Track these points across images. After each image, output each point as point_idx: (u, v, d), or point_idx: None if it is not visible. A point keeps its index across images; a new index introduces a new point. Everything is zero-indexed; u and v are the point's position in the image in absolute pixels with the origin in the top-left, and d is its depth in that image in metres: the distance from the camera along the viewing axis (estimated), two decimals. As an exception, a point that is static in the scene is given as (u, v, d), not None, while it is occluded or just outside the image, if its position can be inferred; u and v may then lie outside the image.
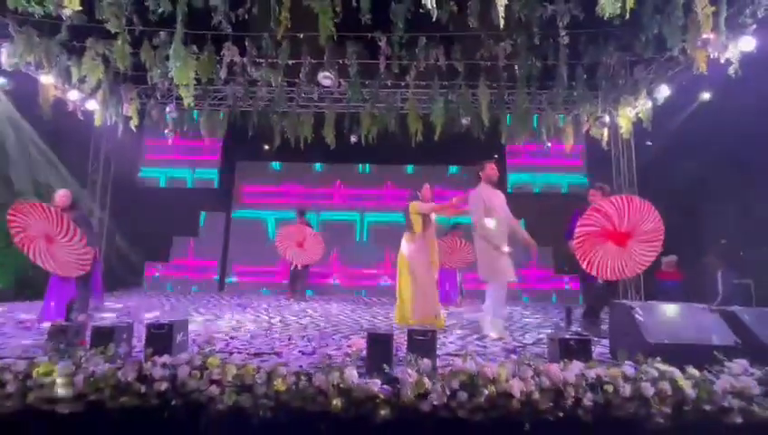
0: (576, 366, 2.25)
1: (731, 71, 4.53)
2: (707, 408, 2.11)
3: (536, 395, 2.12)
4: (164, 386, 2.15)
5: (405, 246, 4.38)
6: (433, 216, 4.43)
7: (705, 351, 2.42)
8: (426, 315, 4.13)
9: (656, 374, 2.21)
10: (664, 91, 6.05)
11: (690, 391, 2.13)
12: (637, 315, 2.64)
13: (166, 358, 2.28)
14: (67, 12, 3.83)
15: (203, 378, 2.17)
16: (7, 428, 2.18)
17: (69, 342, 2.59)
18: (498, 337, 3.71)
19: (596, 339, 3.33)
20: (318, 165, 9.05)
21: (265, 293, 8.26)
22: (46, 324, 3.36)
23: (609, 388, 2.14)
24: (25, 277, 5.78)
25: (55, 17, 4.41)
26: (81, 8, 3.76)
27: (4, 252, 5.82)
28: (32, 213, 3.72)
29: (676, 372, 2.22)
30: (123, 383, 2.15)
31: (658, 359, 2.32)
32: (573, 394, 2.13)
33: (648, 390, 2.12)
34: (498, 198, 4.05)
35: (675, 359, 2.31)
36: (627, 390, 2.14)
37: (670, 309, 2.75)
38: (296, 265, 7.02)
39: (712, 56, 4.55)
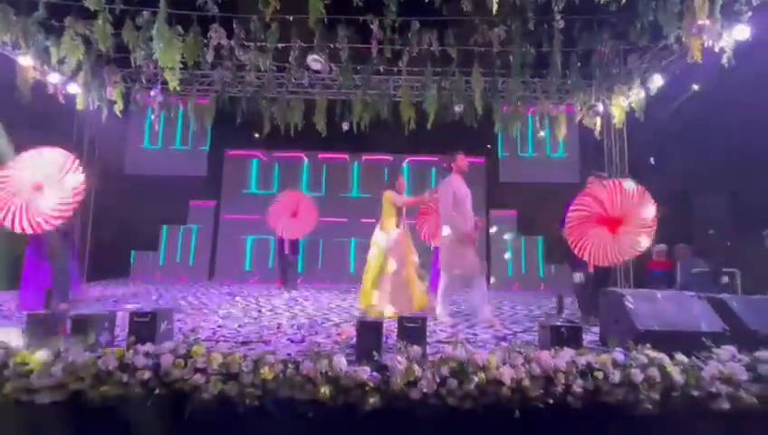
0: (567, 353, 2.24)
1: (724, 60, 4.51)
2: (695, 394, 2.11)
3: (526, 382, 2.10)
4: (147, 375, 2.09)
5: (380, 236, 4.40)
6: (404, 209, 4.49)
7: (694, 337, 2.43)
8: (398, 307, 4.09)
9: (645, 361, 2.21)
10: (657, 81, 6.03)
11: (678, 377, 2.13)
12: (627, 303, 2.63)
13: (149, 346, 2.22)
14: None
15: (187, 366, 2.12)
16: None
17: (49, 330, 2.51)
18: (449, 322, 3.84)
19: (587, 327, 3.35)
20: (307, 153, 8.91)
21: (254, 282, 8.18)
22: (25, 313, 3.27)
23: (599, 374, 2.13)
24: (8, 267, 5.63)
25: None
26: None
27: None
28: (26, 161, 3.68)
29: (665, 359, 2.22)
30: (104, 372, 2.09)
31: (648, 346, 2.32)
32: (564, 381, 2.12)
33: (638, 376, 2.12)
34: (467, 190, 4.12)
35: (664, 346, 2.32)
36: (616, 376, 2.13)
37: (660, 296, 2.76)
38: (286, 254, 6.92)
39: (706, 45, 4.52)
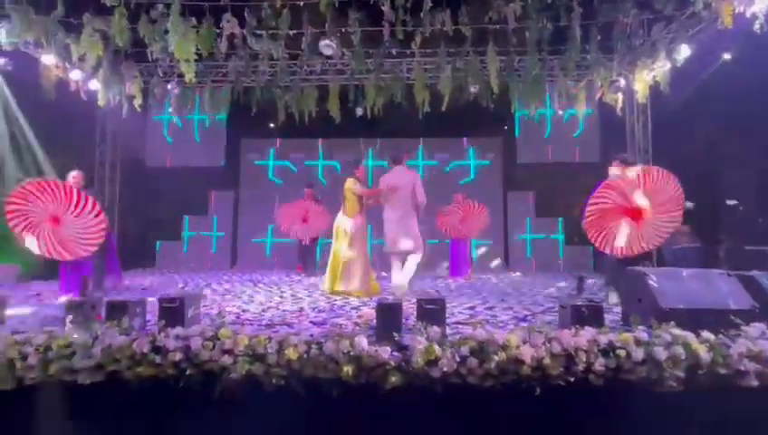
0: (588, 332, 2.23)
1: (756, 26, 4.25)
2: (722, 371, 2.08)
3: (547, 361, 2.11)
4: (178, 356, 2.19)
5: (345, 221, 4.64)
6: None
7: (721, 316, 2.37)
8: (354, 289, 4.46)
9: (669, 339, 2.18)
10: (684, 52, 5.73)
11: (705, 354, 2.10)
12: (650, 281, 2.59)
13: (179, 330, 2.32)
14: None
15: (215, 348, 2.21)
16: (32, 398, 2.27)
17: (85, 316, 2.66)
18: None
19: (608, 306, 3.32)
20: (322, 140, 8.93)
21: (277, 268, 8.36)
22: (63, 299, 3.45)
23: (622, 353, 2.12)
24: (42, 257, 5.91)
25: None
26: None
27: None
28: (34, 194, 3.61)
29: (690, 336, 2.19)
30: (139, 354, 2.20)
31: (672, 324, 2.28)
32: (585, 359, 2.12)
33: (661, 354, 2.10)
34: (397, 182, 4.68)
35: (689, 324, 2.28)
36: (639, 354, 2.12)
37: (685, 274, 2.69)
38: (305, 241, 7.06)
39: (737, 10, 4.26)
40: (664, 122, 6.93)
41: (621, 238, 3.45)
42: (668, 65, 5.85)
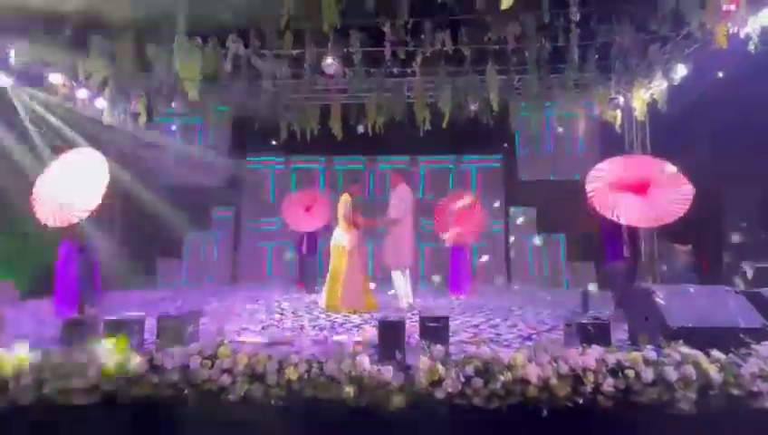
0: (595, 351, 2.18)
1: (750, 46, 4.32)
2: (735, 392, 2.02)
3: (554, 381, 2.06)
4: (176, 376, 2.14)
5: (343, 236, 4.70)
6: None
7: (731, 334, 2.32)
8: (352, 306, 4.51)
9: (678, 358, 2.13)
10: (680, 71, 5.82)
11: (716, 375, 2.05)
12: (657, 299, 2.54)
13: (177, 349, 2.27)
14: (71, 7, 3.81)
15: (214, 367, 2.16)
16: (25, 419, 2.20)
17: (83, 334, 2.61)
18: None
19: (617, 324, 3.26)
20: (324, 157, 9.00)
21: (276, 284, 8.29)
22: (60, 318, 3.40)
23: (631, 373, 2.07)
24: (41, 276, 5.88)
25: (61, 14, 4.40)
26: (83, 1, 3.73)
27: (21, 253, 5.92)
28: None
29: (701, 356, 2.14)
30: (136, 374, 2.15)
31: (681, 343, 2.23)
32: (593, 380, 2.07)
33: (672, 374, 2.05)
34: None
35: (698, 343, 2.23)
36: (649, 374, 2.07)
37: (693, 291, 2.65)
38: (305, 254, 7.00)
39: (732, 31, 4.35)
40: (664, 139, 6.97)
41: (631, 210, 3.42)
42: (665, 84, 5.94)
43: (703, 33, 5.06)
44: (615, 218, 3.44)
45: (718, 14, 4.12)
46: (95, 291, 4.78)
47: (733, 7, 3.95)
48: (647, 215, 3.39)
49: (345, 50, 5.55)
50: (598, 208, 3.49)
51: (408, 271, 4.98)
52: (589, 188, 3.60)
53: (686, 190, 3.40)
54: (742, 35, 4.33)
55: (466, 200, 6.62)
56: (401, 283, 4.77)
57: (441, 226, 6.64)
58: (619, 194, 3.48)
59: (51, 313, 4.20)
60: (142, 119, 6.49)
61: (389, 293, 4.90)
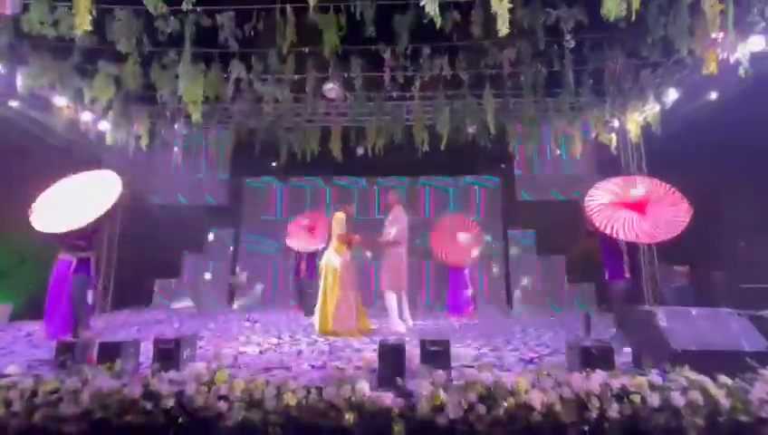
0: (599, 375, 2.14)
1: (741, 71, 4.45)
2: (743, 419, 1.98)
3: (558, 407, 2.01)
4: (171, 402, 2.08)
5: (334, 257, 4.68)
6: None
7: (736, 358, 2.29)
8: (346, 328, 4.47)
9: (685, 383, 2.09)
10: (672, 95, 5.98)
11: (724, 400, 2.00)
12: (660, 321, 2.52)
13: (172, 374, 2.22)
14: (78, 33, 3.92)
15: (210, 393, 2.11)
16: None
17: (77, 358, 2.56)
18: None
19: (620, 346, 3.21)
20: (324, 179, 9.07)
21: (273, 308, 8.19)
22: (53, 341, 3.33)
23: (636, 398, 2.03)
24: (35, 296, 5.81)
25: (68, 40, 4.52)
26: (91, 29, 3.84)
27: (15, 271, 5.87)
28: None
29: (707, 381, 2.10)
30: (129, 400, 2.10)
31: (686, 367, 2.20)
32: (598, 405, 2.02)
33: (679, 400, 2.00)
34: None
35: (703, 366, 2.19)
36: (655, 400, 2.02)
37: (695, 313, 2.63)
38: (302, 278, 6.94)
39: (721, 57, 4.48)
40: (659, 160, 7.06)
41: (630, 227, 3.44)
42: (658, 107, 6.08)
43: (693, 59, 5.22)
44: (614, 234, 3.47)
45: (707, 42, 4.25)
46: (89, 311, 4.72)
47: (721, 35, 4.08)
48: (645, 231, 3.43)
49: (345, 74, 5.69)
50: (597, 224, 3.52)
51: (404, 294, 4.93)
52: (588, 205, 3.65)
53: (685, 209, 3.45)
54: (731, 61, 4.47)
55: (471, 237, 6.62)
56: (395, 306, 4.69)
57: (440, 249, 6.62)
58: (618, 211, 3.53)
59: (43, 335, 4.12)
60: (144, 141, 6.57)
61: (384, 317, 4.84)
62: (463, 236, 6.53)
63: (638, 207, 3.58)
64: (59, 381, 2.21)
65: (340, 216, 4.81)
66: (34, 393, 2.17)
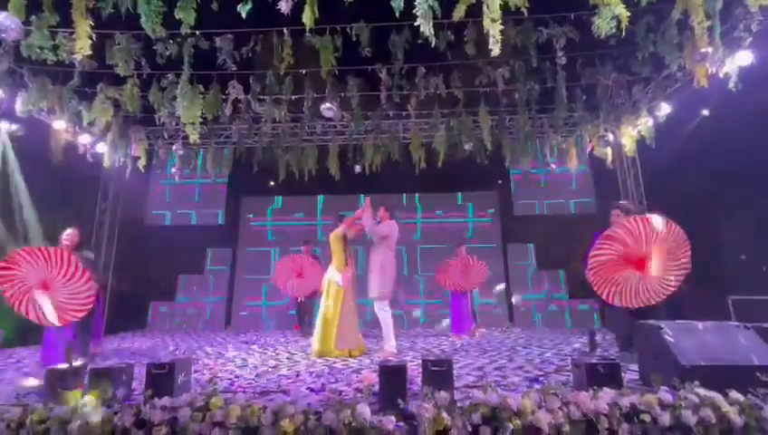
0: (607, 394, 2.07)
1: (731, 84, 4.53)
2: (758, 437, 1.91)
3: (566, 428, 1.94)
4: (163, 432, 2.00)
5: (336, 275, 4.60)
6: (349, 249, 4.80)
7: (746, 372, 2.23)
8: (349, 347, 4.38)
9: (696, 400, 2.03)
10: (664, 109, 6.06)
11: (737, 418, 1.94)
12: (667, 336, 2.46)
13: (166, 400, 2.14)
14: (78, 57, 3.96)
15: (205, 420, 2.03)
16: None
17: (67, 385, 2.47)
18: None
19: (624, 365, 3.12)
20: (322, 197, 9.07)
21: (271, 328, 8.05)
22: (45, 368, 3.23)
23: (647, 417, 1.96)
24: (29, 324, 5.69)
25: (68, 64, 4.58)
26: (90, 53, 3.89)
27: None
28: (24, 260, 3.47)
29: (718, 398, 2.03)
30: (120, 429, 2.01)
31: (696, 383, 2.13)
32: (607, 426, 1.95)
33: (690, 418, 1.93)
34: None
35: (713, 382, 2.13)
36: (666, 419, 1.95)
37: (701, 328, 2.58)
38: (301, 298, 6.86)
39: (710, 71, 4.57)
40: (657, 172, 7.11)
41: (628, 290, 3.32)
42: (651, 121, 6.16)
43: (684, 74, 5.33)
44: (616, 303, 3.34)
45: (696, 57, 4.34)
46: (94, 338, 4.60)
47: (710, 50, 4.17)
48: (647, 296, 3.26)
49: (342, 94, 5.76)
50: (598, 291, 3.37)
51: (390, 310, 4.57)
52: (591, 263, 3.43)
53: (685, 263, 3.21)
54: (721, 75, 4.55)
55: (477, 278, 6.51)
56: (391, 322, 4.40)
57: (446, 281, 6.49)
58: (620, 273, 3.31)
59: (36, 362, 4.00)
60: (142, 162, 6.59)
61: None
62: (470, 279, 6.46)
63: (642, 261, 3.30)
64: (48, 409, 2.13)
65: (337, 233, 4.77)
66: (22, 423, 2.08)
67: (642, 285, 3.27)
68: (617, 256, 3.33)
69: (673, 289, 3.26)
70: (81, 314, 3.59)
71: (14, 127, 5.65)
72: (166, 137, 7.04)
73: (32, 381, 2.42)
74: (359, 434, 1.94)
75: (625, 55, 5.04)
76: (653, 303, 3.26)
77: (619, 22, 3.44)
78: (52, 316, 3.53)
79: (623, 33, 3.53)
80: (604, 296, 3.37)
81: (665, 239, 3.24)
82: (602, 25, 3.45)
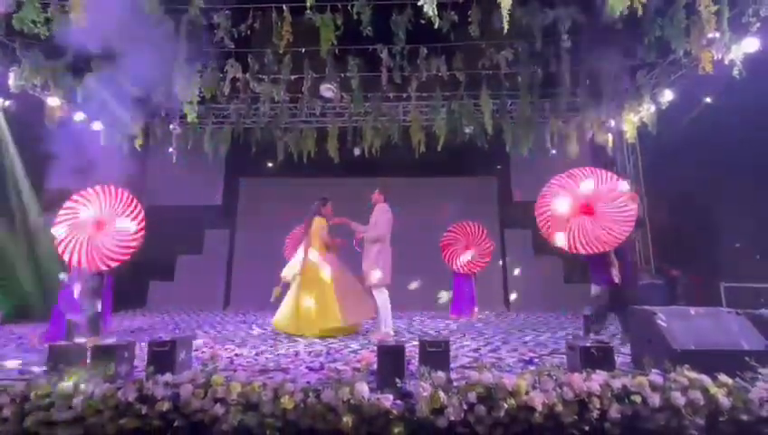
0: (600, 376, 2.13)
1: (735, 72, 4.48)
2: (744, 418, 1.97)
3: (559, 407, 2.00)
4: (166, 406, 2.04)
5: (316, 257, 4.68)
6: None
7: (735, 357, 2.29)
8: (362, 314, 4.52)
9: (685, 383, 2.08)
10: (667, 96, 6.00)
11: (724, 399, 2.00)
12: (659, 321, 2.51)
13: (168, 376, 2.19)
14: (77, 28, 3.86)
15: (207, 397, 2.07)
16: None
17: (70, 362, 2.51)
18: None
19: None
20: (320, 179, 9.01)
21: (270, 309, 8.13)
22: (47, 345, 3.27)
23: (637, 398, 2.02)
24: (26, 303, 5.76)
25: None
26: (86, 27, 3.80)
27: (6, 278, 5.77)
28: (94, 197, 3.88)
29: (707, 380, 2.09)
30: (123, 404, 2.06)
31: (687, 366, 2.19)
32: (599, 406, 2.01)
33: (679, 399, 1.99)
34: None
35: (703, 366, 2.18)
36: (656, 400, 2.01)
37: (694, 313, 2.63)
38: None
39: (716, 57, 4.51)
40: (656, 159, 7.09)
41: (587, 236, 3.46)
42: (654, 108, 6.11)
43: (689, 60, 5.25)
44: (582, 251, 3.51)
45: (702, 42, 4.27)
46: (103, 319, 4.67)
47: (717, 35, 4.10)
48: (610, 238, 3.45)
49: (342, 75, 5.67)
50: (553, 242, 3.55)
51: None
52: (541, 219, 3.66)
53: (628, 197, 3.46)
54: (726, 62, 4.49)
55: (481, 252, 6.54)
56: (387, 305, 4.38)
57: (450, 257, 6.56)
58: (574, 219, 3.54)
59: (38, 339, 4.04)
60: (139, 141, 6.51)
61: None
62: (473, 252, 6.50)
63: (588, 208, 3.56)
64: (51, 385, 2.17)
65: (320, 222, 4.76)
66: (26, 398, 2.12)
67: (600, 227, 3.42)
68: (563, 202, 3.49)
69: (633, 222, 3.44)
70: (114, 264, 3.84)
71: (8, 103, 5.54)
72: (163, 115, 6.94)
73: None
74: (357, 411, 1.99)
75: (630, 39, 4.95)
76: (620, 241, 3.43)
77: (632, 1, 3.37)
78: (87, 259, 3.73)
79: (640, 11, 3.47)
80: (567, 248, 3.51)
81: (597, 190, 3.51)
82: (616, 4, 3.37)
